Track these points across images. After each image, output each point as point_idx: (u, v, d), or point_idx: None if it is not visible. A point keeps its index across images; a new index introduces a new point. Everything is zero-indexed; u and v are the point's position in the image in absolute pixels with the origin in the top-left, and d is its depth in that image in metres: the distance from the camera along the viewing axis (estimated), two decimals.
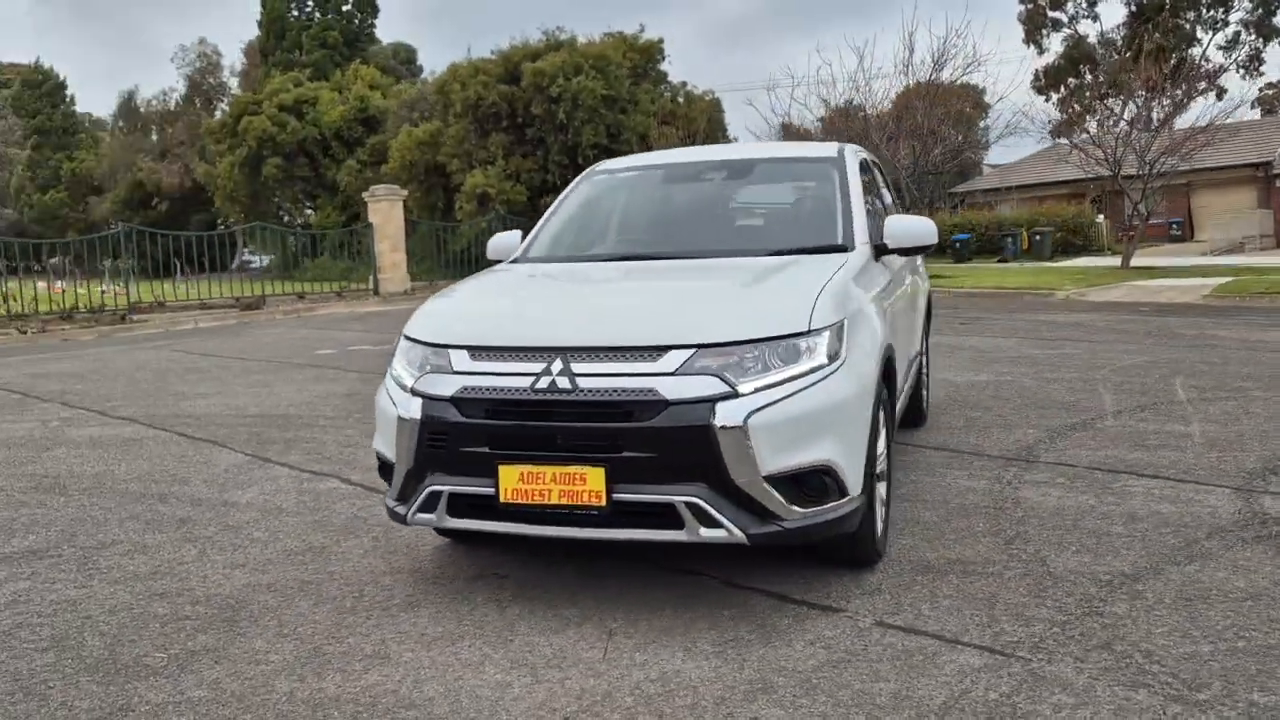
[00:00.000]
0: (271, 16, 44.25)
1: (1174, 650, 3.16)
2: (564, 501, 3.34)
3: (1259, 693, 2.88)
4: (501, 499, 3.41)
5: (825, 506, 3.44)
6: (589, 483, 3.30)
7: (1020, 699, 2.89)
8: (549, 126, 27.20)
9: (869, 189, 5.28)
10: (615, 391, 3.32)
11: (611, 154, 23.80)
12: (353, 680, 3.17)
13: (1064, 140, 25.59)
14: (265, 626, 3.63)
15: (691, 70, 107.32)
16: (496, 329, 3.72)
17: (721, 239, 4.73)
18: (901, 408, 5.16)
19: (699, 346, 3.36)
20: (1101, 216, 33.26)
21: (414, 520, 3.65)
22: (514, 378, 3.44)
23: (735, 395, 3.29)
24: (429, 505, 3.58)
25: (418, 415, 3.57)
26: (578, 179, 5.53)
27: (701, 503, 3.26)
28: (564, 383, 3.37)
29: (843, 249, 4.41)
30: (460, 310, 4.07)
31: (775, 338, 3.43)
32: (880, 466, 4.12)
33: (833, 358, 3.50)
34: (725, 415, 3.24)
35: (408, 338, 3.88)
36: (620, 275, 4.41)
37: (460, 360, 3.60)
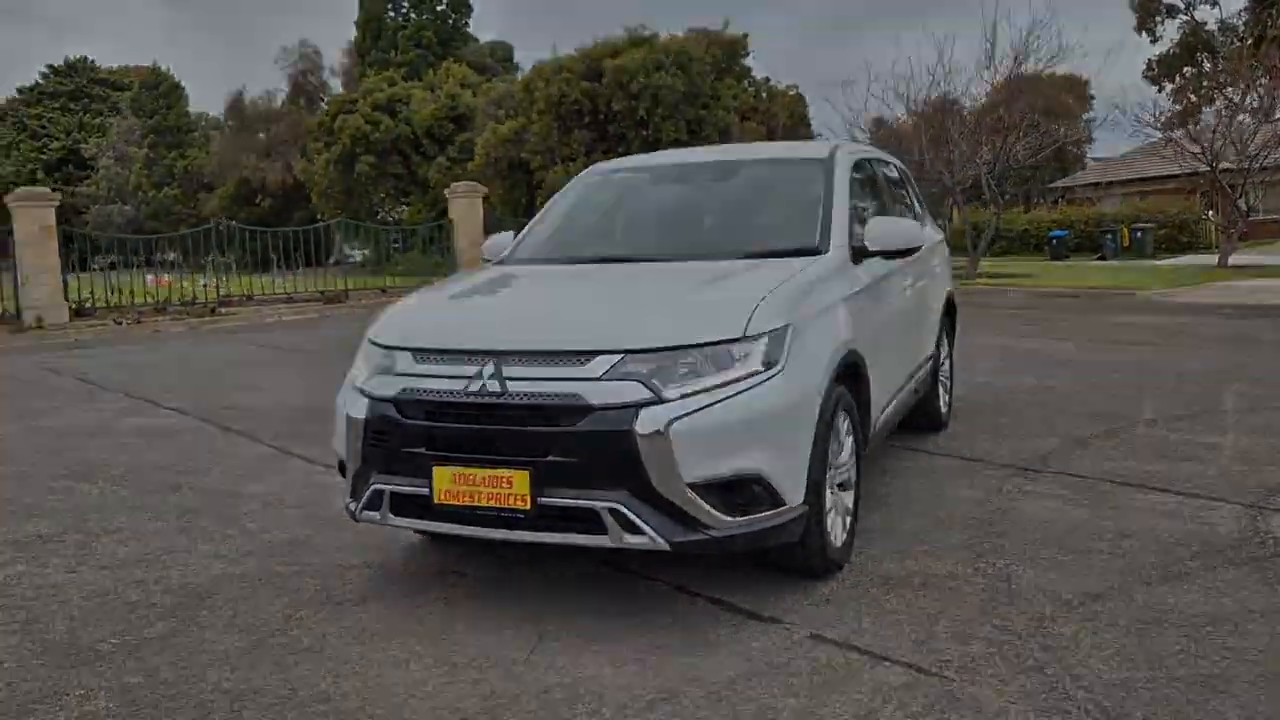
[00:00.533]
0: (368, 18, 45.46)
1: (1107, 676, 3.02)
2: (492, 504, 3.37)
3: None
4: (436, 499, 3.46)
5: (757, 516, 3.39)
6: (515, 486, 3.32)
7: None
8: (629, 123, 27.29)
9: (867, 191, 5.17)
10: (542, 396, 3.33)
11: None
12: (280, 673, 3.26)
13: (1172, 133, 24.40)
14: (220, 616, 3.76)
15: (778, 65, 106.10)
16: (439, 332, 3.77)
17: (696, 242, 4.69)
18: (893, 414, 5.03)
19: (626, 352, 3.35)
20: (1212, 212, 31.70)
21: (362, 518, 3.73)
22: (450, 380, 3.49)
23: (660, 401, 3.26)
24: (373, 503, 3.66)
25: (363, 415, 3.65)
26: (575, 179, 5.56)
27: (624, 509, 3.25)
28: (494, 386, 3.39)
29: (816, 252, 4.32)
30: (414, 313, 4.14)
31: (706, 344, 3.39)
32: (845, 475, 4.04)
33: (769, 365, 3.44)
34: (647, 422, 3.22)
35: (368, 340, 3.96)
36: (576, 279, 4.42)
37: (404, 362, 3.67)
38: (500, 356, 3.44)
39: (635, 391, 3.28)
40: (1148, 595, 3.63)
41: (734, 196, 5.02)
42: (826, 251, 4.34)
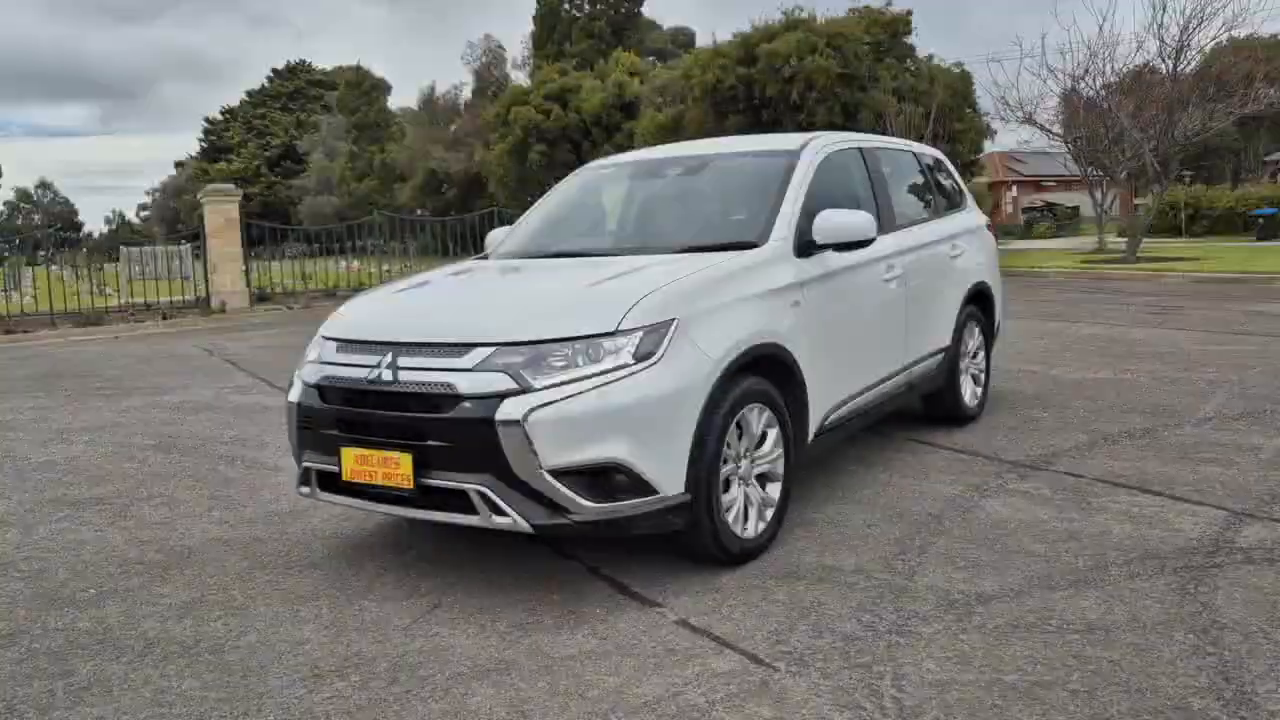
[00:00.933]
0: (544, 11, 46.94)
1: (930, 677, 3.00)
2: (385, 482, 3.67)
3: None
4: (343, 477, 3.79)
5: (623, 503, 3.53)
6: (400, 467, 3.61)
7: (720, 708, 2.89)
8: (784, 107, 27.00)
9: (845, 183, 5.13)
10: (424, 384, 3.59)
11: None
12: (198, 626, 3.68)
13: None
14: (185, 575, 4.24)
15: (946, 41, 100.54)
16: (358, 324, 4.09)
17: (647, 236, 4.82)
18: (865, 408, 4.98)
19: (499, 345, 3.56)
20: None
21: (300, 493, 4.12)
22: (358, 369, 3.80)
23: (525, 392, 3.46)
24: (305, 480, 4.04)
25: (296, 399, 4.03)
26: (571, 174, 5.77)
27: (489, 492, 3.47)
28: (388, 375, 3.68)
29: (752, 245, 4.38)
30: (356, 306, 4.48)
31: (578, 337, 3.56)
32: (766, 467, 4.10)
33: (642, 358, 3.56)
34: (507, 411, 3.43)
35: (319, 331, 4.34)
36: (509, 273, 4.65)
37: (329, 351, 4.02)
38: (397, 348, 3.72)
39: (502, 382, 3.49)
40: (1040, 600, 3.53)
41: (698, 191, 5.10)
42: (763, 244, 4.38)
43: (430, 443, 3.56)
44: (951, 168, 6.74)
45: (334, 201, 66.07)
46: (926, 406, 6.13)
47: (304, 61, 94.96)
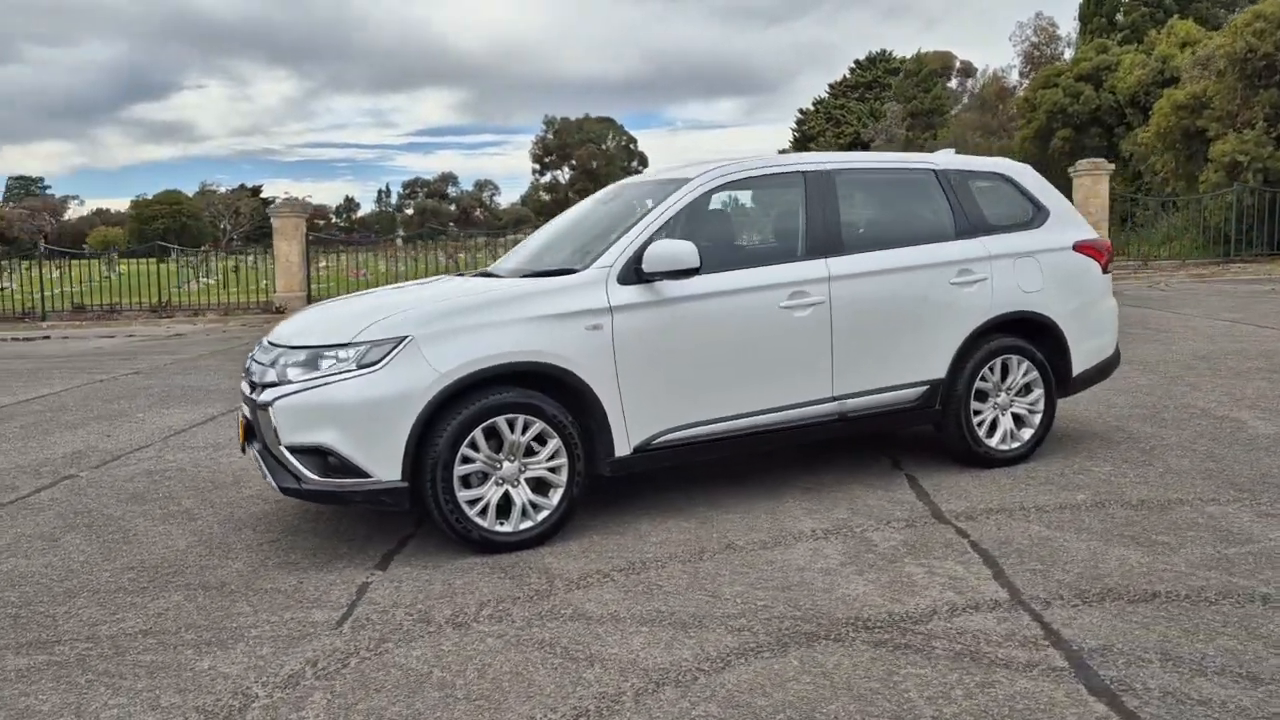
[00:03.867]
0: None
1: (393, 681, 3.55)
2: (242, 443, 4.99)
3: None
4: (239, 441, 5.19)
5: (343, 480, 4.43)
6: (242, 436, 4.91)
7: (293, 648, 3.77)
8: None
9: (739, 212, 5.27)
10: (258, 375, 4.81)
11: None
12: (133, 554, 5.34)
13: None
14: (169, 521, 5.92)
15: None
16: (277, 330, 5.31)
17: (530, 260, 5.45)
18: (737, 432, 5.07)
19: (287, 348, 4.65)
20: None
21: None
22: (255, 364, 5.09)
23: (281, 384, 4.53)
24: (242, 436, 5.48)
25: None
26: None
27: (259, 459, 4.62)
28: (255, 366, 4.94)
29: (570, 272, 4.88)
30: (294, 314, 5.72)
31: (326, 345, 4.53)
32: (539, 473, 4.65)
33: (365, 366, 4.41)
34: (265, 398, 4.54)
35: None
36: (415, 288, 5.49)
37: (256, 349, 5.38)
38: (280, 349, 4.90)
39: (273, 376, 4.60)
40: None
41: (598, 218, 5.54)
42: (579, 272, 4.84)
43: (250, 417, 4.79)
44: (1023, 183, 6.02)
45: None
46: (952, 444, 5.73)
47: (884, 51, 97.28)
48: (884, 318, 5.39)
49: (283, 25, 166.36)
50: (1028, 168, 6.19)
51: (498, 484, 4.61)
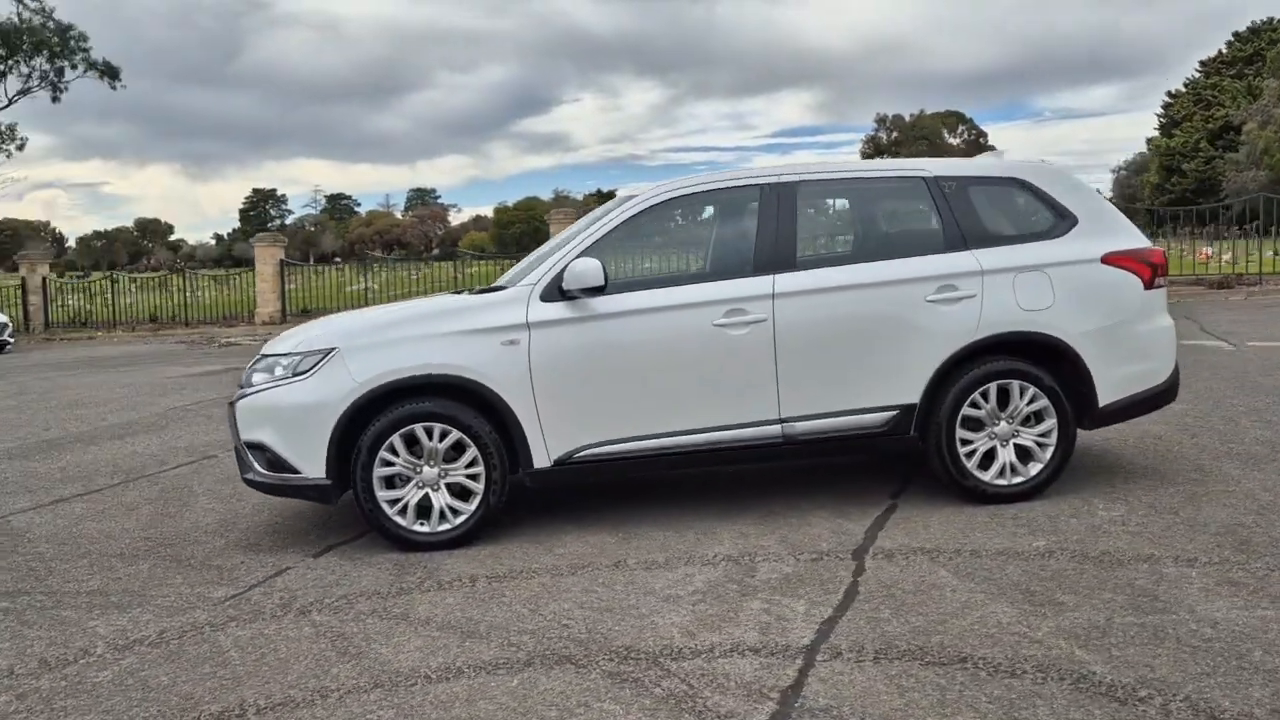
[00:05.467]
0: None
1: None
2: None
3: None
4: None
5: (282, 474, 4.99)
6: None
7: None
8: None
9: (690, 228, 5.19)
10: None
11: None
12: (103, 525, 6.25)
13: None
14: (213, 506, 6.78)
15: None
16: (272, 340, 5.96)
17: (514, 278, 5.61)
18: (671, 448, 5.05)
19: (263, 356, 5.28)
20: None
21: None
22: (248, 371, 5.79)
23: (245, 387, 5.17)
24: None
25: None
26: None
27: (235, 451, 5.30)
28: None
29: (501, 289, 5.13)
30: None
31: (277, 355, 5.11)
32: (458, 479, 4.98)
33: (299, 374, 4.95)
34: (234, 397, 5.20)
35: None
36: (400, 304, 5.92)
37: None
38: (258, 357, 5.60)
39: (243, 380, 5.25)
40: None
41: (577, 231, 5.62)
42: (508, 289, 5.08)
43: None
44: (1043, 187, 5.33)
45: (1260, 177, 59.32)
46: (940, 472, 5.30)
47: (1270, 20, 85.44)
48: (840, 337, 5.08)
49: (653, 36, 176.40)
50: (1055, 169, 5.49)
51: (419, 487, 4.96)
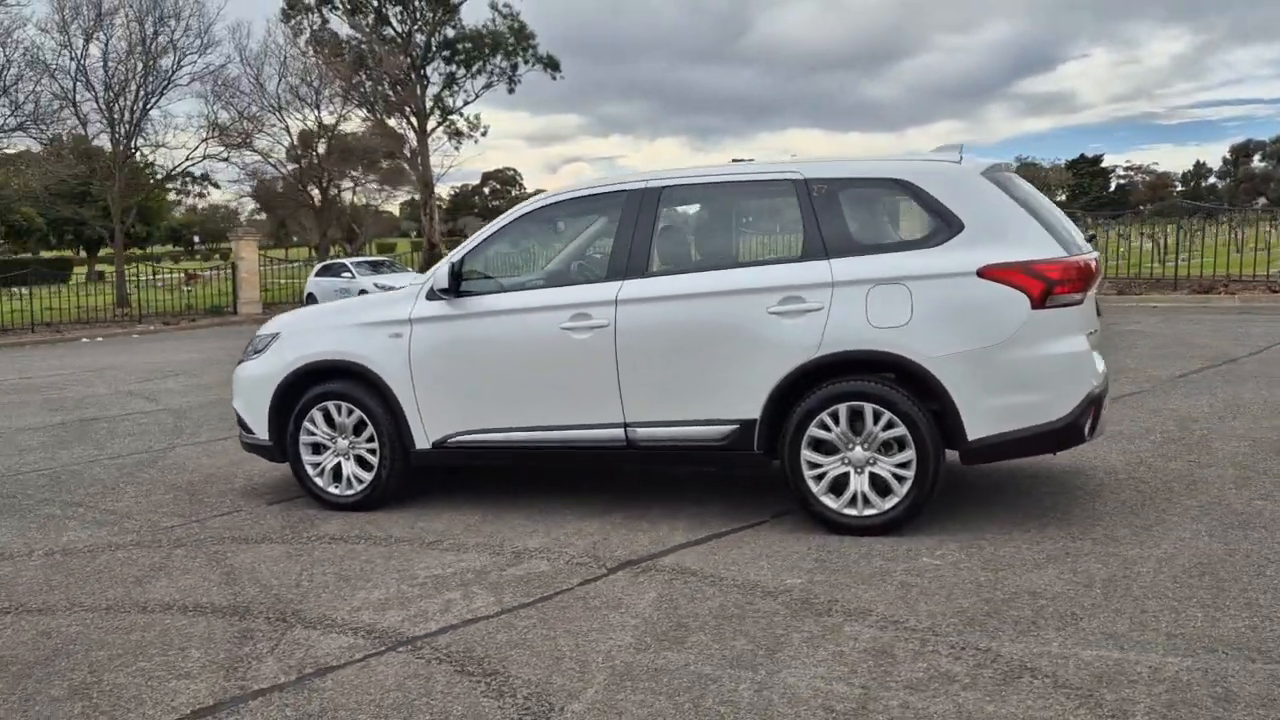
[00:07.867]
0: None
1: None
2: None
3: None
4: None
5: (247, 435, 6.13)
6: None
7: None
8: None
9: (561, 232, 5.41)
10: None
11: None
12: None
13: None
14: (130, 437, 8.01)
15: None
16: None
17: None
18: (524, 443, 5.37)
19: (259, 336, 6.44)
20: None
21: None
22: None
23: (242, 360, 6.37)
24: None
25: None
26: None
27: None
28: None
29: (412, 284, 5.80)
30: None
31: (257, 336, 6.22)
32: (360, 452, 5.77)
33: (257, 352, 6.05)
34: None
35: None
36: None
37: None
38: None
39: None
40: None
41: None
42: (413, 287, 5.70)
43: None
44: (930, 191, 4.66)
45: None
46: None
47: None
48: (680, 345, 5.00)
49: None
50: (955, 170, 4.76)
51: (334, 455, 5.80)
